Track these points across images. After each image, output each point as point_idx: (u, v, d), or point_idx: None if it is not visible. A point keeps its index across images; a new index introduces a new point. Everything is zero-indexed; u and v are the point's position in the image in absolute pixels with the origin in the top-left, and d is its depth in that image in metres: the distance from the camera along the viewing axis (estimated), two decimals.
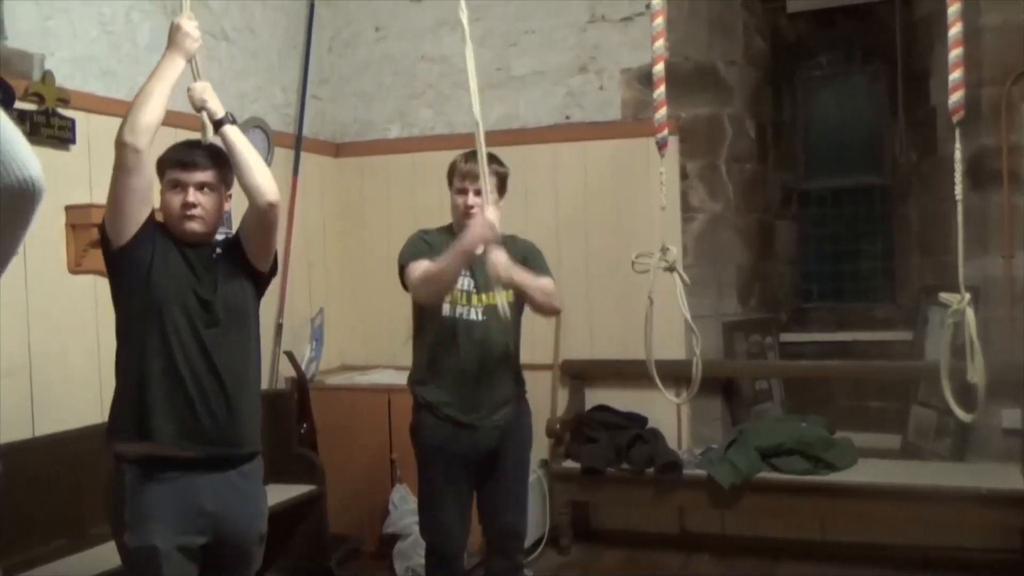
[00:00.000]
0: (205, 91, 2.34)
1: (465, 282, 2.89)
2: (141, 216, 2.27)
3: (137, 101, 2.21)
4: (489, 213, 2.68)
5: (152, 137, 2.20)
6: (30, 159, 1.55)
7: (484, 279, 2.83)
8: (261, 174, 2.31)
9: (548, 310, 2.98)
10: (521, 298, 2.89)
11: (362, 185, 5.02)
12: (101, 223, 2.31)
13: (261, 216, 2.33)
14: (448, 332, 2.89)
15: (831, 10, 5.05)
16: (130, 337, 2.30)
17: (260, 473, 2.46)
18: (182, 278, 2.28)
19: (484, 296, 2.89)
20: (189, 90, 2.33)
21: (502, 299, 2.80)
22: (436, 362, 2.92)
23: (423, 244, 2.91)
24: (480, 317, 2.89)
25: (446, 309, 2.88)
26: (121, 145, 2.18)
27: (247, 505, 2.37)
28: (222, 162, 2.35)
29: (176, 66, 2.28)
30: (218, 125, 2.32)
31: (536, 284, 2.86)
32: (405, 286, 2.92)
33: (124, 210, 2.24)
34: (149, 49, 3.74)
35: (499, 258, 2.67)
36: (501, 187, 2.94)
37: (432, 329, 2.93)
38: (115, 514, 2.27)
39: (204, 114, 2.34)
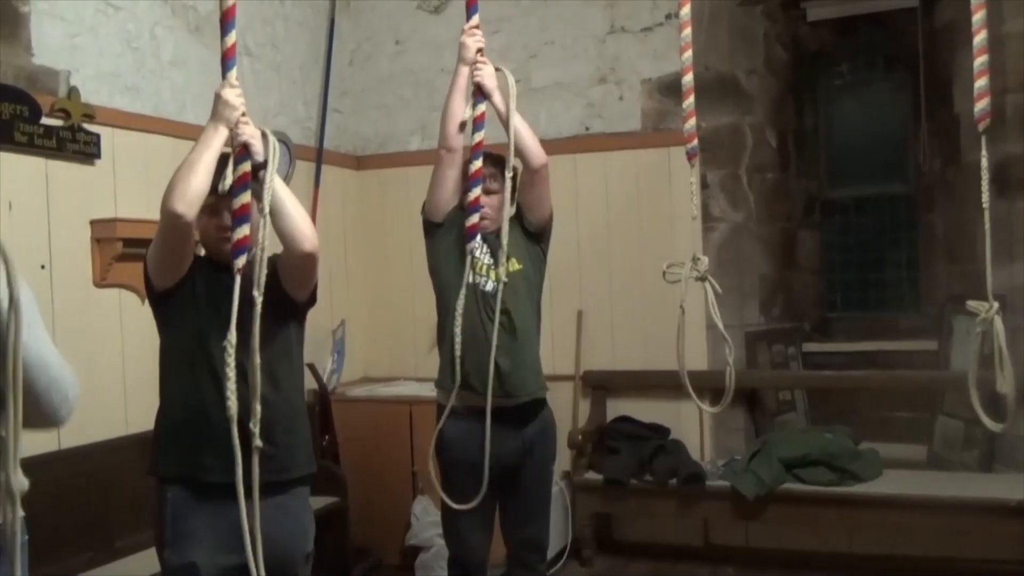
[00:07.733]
0: (255, 137, 2.12)
1: (484, 256, 2.93)
2: (184, 268, 2.27)
3: (183, 171, 2.13)
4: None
5: (200, 205, 2.16)
6: (71, 386, 1.65)
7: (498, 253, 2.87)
8: (302, 220, 2.23)
9: (534, 151, 2.88)
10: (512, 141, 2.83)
11: (383, 197, 5.05)
12: (144, 261, 2.29)
13: (299, 263, 2.27)
14: (467, 300, 2.81)
15: (852, 18, 5.01)
16: (171, 366, 2.31)
17: (308, 492, 2.45)
18: (221, 308, 2.17)
19: (497, 270, 2.90)
20: (238, 127, 2.12)
21: (503, 271, 2.82)
22: (454, 336, 2.84)
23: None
24: (493, 290, 2.89)
25: (469, 276, 2.84)
26: (172, 215, 2.12)
27: (291, 523, 2.34)
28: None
29: (220, 135, 2.16)
30: (258, 169, 2.10)
31: (519, 117, 2.85)
32: (425, 209, 2.97)
33: (168, 266, 2.25)
34: (173, 65, 3.79)
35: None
36: (514, 189, 2.95)
37: (451, 304, 2.85)
38: (158, 533, 2.30)
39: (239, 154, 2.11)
